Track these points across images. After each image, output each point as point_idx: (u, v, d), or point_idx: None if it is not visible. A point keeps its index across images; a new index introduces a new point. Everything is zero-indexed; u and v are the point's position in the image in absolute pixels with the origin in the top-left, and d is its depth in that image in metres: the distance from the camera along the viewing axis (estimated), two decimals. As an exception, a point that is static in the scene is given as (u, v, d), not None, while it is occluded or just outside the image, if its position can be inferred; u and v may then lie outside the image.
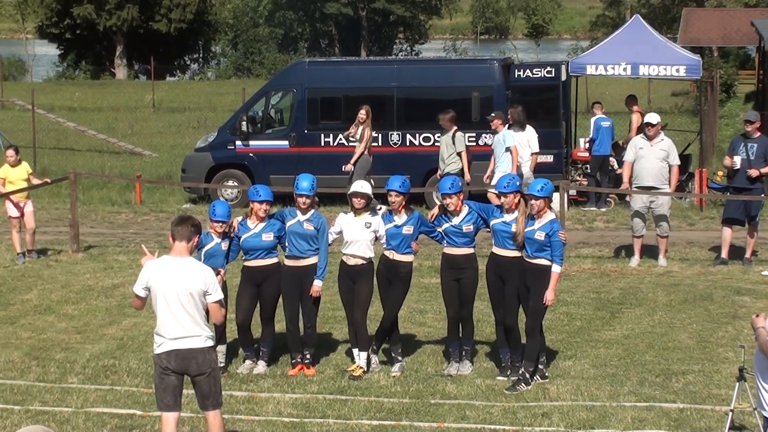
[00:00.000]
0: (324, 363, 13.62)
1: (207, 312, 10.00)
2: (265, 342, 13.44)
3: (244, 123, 25.18)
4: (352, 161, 22.30)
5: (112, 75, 75.53)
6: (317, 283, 12.98)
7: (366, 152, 22.54)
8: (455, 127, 21.60)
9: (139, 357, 13.91)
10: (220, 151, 25.04)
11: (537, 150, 21.61)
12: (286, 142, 25.13)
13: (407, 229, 12.81)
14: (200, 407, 10.16)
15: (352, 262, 12.95)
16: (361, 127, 22.53)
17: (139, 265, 10.63)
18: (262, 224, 13.06)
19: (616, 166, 24.50)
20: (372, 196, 13.02)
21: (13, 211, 19.90)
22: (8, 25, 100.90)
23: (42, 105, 42.01)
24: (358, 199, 12.81)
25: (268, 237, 13.05)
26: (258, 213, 12.99)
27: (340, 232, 13.03)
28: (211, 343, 9.94)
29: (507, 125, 21.40)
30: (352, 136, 22.84)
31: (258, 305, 13.38)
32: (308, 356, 13.29)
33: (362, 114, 22.54)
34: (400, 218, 12.82)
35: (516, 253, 12.62)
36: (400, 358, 13.13)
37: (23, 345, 14.66)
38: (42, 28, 79.47)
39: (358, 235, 12.83)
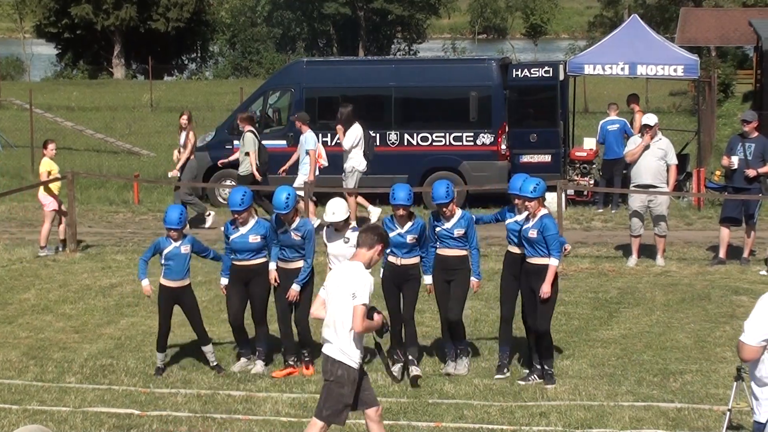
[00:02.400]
0: (319, 365, 13.62)
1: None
2: (260, 342, 13.47)
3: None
4: (178, 167, 22.57)
5: (109, 74, 75.52)
6: (294, 287, 12.96)
7: (192, 156, 22.66)
8: (249, 128, 21.86)
9: (137, 356, 13.92)
10: (218, 151, 25.02)
11: (362, 149, 21.81)
12: (284, 142, 25.10)
13: (411, 238, 12.70)
14: None
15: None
16: (184, 133, 22.60)
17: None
18: (249, 226, 13.13)
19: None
20: (347, 218, 12.82)
21: (54, 205, 20.07)
22: (6, 25, 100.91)
23: (40, 104, 41.97)
24: (336, 226, 12.75)
25: (255, 239, 13.14)
26: (239, 221, 13.11)
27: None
28: (341, 357, 9.74)
29: (350, 127, 21.65)
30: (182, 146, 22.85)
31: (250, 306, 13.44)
32: (306, 355, 13.31)
33: (184, 119, 22.67)
34: (404, 227, 12.72)
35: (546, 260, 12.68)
36: (416, 361, 12.96)
37: (21, 344, 14.67)
38: (40, 28, 79.46)
39: (339, 250, 12.78)
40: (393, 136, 24.90)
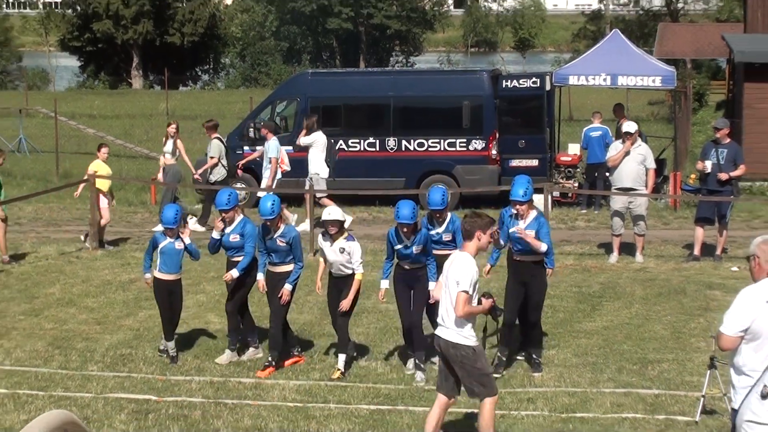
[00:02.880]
0: (323, 353, 13.64)
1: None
2: (248, 331, 13.44)
3: (251, 129, 25.15)
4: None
5: (129, 85, 75.46)
6: (287, 287, 12.89)
7: (175, 162, 22.66)
8: (215, 135, 22.01)
9: (154, 346, 13.92)
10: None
11: (324, 156, 22.01)
12: (290, 147, 25.08)
13: (417, 249, 12.49)
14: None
15: (335, 274, 12.89)
16: (171, 140, 22.60)
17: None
18: (232, 226, 13.15)
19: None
20: (343, 221, 12.78)
21: (104, 202, 20.34)
22: (32, 39, 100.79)
23: (64, 113, 41.96)
24: (330, 226, 12.62)
25: (235, 238, 13.17)
26: (226, 220, 13.16)
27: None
28: (460, 339, 9.72)
29: (310, 133, 21.97)
30: (167, 152, 22.83)
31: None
32: (298, 349, 13.28)
33: (173, 128, 22.73)
34: (410, 240, 12.50)
35: (537, 257, 12.59)
36: (423, 367, 12.60)
37: (47, 335, 14.68)
38: (64, 42, 79.39)
39: (334, 257, 12.71)
40: (391, 142, 24.92)
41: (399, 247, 12.49)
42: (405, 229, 12.37)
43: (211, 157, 21.80)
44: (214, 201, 20.77)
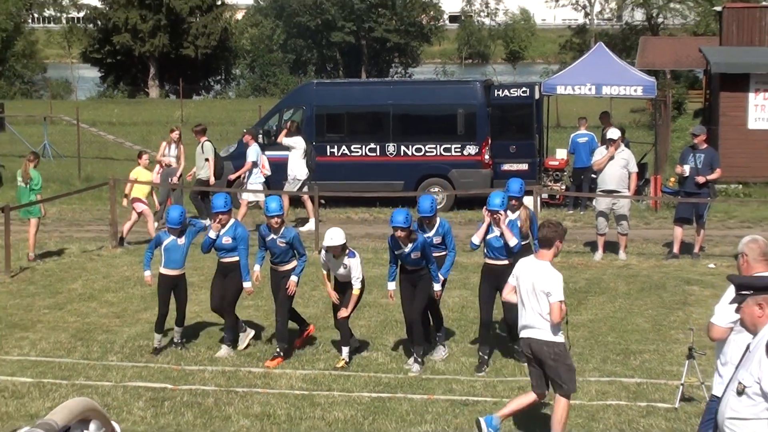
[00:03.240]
0: (328, 345, 13.64)
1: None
2: (227, 329, 13.33)
3: (260, 136, 25.15)
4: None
5: (146, 94, 75.45)
6: (293, 278, 12.89)
7: (176, 166, 22.51)
8: (204, 138, 21.94)
9: (170, 338, 13.91)
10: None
11: (305, 160, 22.11)
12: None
13: (415, 255, 12.42)
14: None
15: (340, 279, 12.84)
16: (173, 145, 22.44)
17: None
18: (225, 228, 13.13)
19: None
20: (345, 243, 12.55)
21: (142, 206, 20.30)
22: (56, 51, 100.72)
23: (85, 120, 41.95)
24: (334, 251, 12.52)
25: (227, 240, 13.12)
26: (221, 222, 13.11)
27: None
28: (553, 338, 9.71)
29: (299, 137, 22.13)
30: (167, 155, 22.56)
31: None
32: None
33: (176, 135, 22.61)
34: (407, 247, 12.44)
35: (506, 261, 12.44)
36: (420, 360, 12.56)
37: (69, 328, 14.67)
38: (85, 54, 79.47)
39: (338, 270, 12.68)
40: (391, 148, 24.89)
41: (398, 252, 12.47)
42: (400, 234, 12.27)
43: (207, 159, 21.75)
44: (203, 200, 20.90)
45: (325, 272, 12.93)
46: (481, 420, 9.95)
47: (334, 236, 12.46)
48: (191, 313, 14.26)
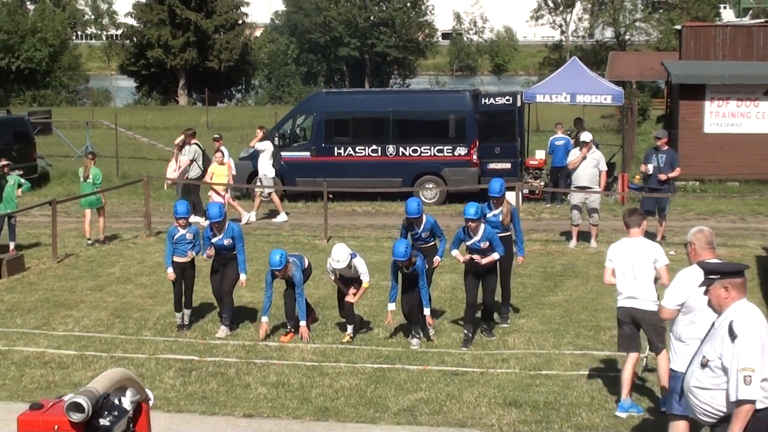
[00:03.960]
0: (334, 324, 13.62)
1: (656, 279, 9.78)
2: (226, 311, 13.19)
3: (276, 138, 25.12)
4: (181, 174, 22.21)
5: (176, 102, 75.28)
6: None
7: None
8: (194, 141, 21.91)
9: (196, 315, 13.90)
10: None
11: (271, 161, 22.31)
12: (308, 153, 25.09)
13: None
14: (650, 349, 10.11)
15: (347, 276, 12.79)
16: (188, 146, 22.06)
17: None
18: (222, 233, 13.01)
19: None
20: (351, 264, 12.46)
21: (218, 199, 20.20)
22: (97, 64, 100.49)
23: (123, 125, 41.86)
24: (342, 273, 12.56)
25: (228, 241, 13.05)
26: (216, 228, 13.00)
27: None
28: (653, 306, 9.64)
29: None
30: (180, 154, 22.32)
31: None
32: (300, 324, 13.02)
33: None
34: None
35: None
36: (419, 335, 12.44)
37: (108, 307, 14.67)
38: (123, 67, 79.18)
39: (345, 272, 12.66)
40: (391, 149, 24.85)
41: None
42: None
43: (191, 160, 21.74)
44: (192, 194, 20.89)
45: (333, 276, 12.90)
46: (618, 413, 9.80)
47: (340, 258, 12.33)
48: (210, 296, 14.14)
